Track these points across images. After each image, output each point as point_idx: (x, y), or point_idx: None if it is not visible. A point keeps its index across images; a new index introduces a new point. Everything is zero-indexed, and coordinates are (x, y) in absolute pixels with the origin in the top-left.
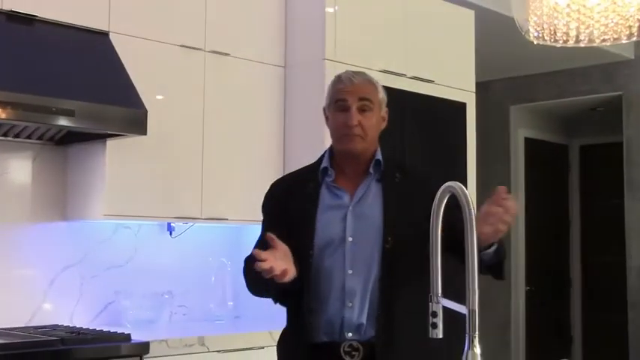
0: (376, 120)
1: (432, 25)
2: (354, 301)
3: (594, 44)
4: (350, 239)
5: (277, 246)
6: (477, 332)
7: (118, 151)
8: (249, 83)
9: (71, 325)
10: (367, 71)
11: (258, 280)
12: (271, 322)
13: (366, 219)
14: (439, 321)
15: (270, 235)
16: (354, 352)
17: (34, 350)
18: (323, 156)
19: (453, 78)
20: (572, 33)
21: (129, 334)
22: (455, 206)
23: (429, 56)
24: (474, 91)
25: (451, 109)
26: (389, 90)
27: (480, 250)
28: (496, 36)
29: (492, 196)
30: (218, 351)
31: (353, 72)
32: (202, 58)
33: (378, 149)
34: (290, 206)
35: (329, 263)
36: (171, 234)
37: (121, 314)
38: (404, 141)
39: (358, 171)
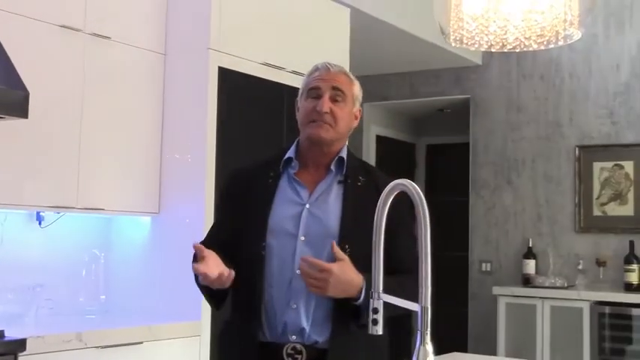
0: (348, 113)
1: (311, 19)
2: (298, 303)
3: (505, 50)
4: (302, 238)
5: (207, 256)
6: (428, 329)
7: None
8: (129, 69)
9: None
10: (249, 63)
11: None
12: (146, 316)
13: (321, 220)
14: (379, 317)
15: (199, 246)
16: (297, 355)
17: None
18: (288, 148)
19: None
20: (490, 38)
21: (2, 331)
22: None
23: (308, 51)
24: None
25: None
26: (268, 83)
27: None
28: (355, 35)
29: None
30: (96, 347)
31: (330, 63)
32: (82, 40)
33: (345, 147)
34: (249, 195)
35: (277, 260)
36: (40, 223)
37: None
38: (282, 134)
39: (321, 166)
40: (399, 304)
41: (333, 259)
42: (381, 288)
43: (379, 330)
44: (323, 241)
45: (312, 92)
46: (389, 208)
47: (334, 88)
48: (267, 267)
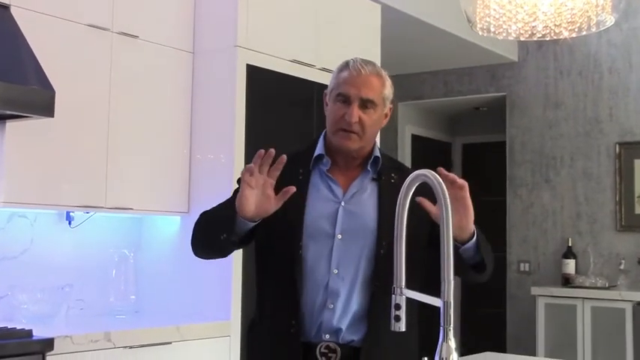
0: (377, 117)
1: (341, 16)
2: (335, 303)
3: (534, 39)
4: (339, 236)
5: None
6: (451, 325)
7: (17, 134)
8: (157, 68)
9: None
10: (278, 60)
11: (222, 224)
12: (176, 316)
13: (358, 218)
14: (402, 314)
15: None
16: (330, 354)
17: None
18: (315, 142)
19: None
20: (518, 25)
21: (30, 330)
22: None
23: (338, 48)
24: None
25: None
26: (297, 81)
27: (456, 248)
28: (386, 33)
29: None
30: (124, 347)
31: (362, 61)
32: (110, 40)
33: (376, 146)
34: (278, 187)
35: (313, 259)
36: (70, 224)
37: (15, 309)
38: (312, 132)
39: (352, 164)
40: (421, 300)
41: (372, 255)
42: (403, 283)
43: (402, 327)
44: (360, 239)
45: (340, 97)
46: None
47: (363, 99)
48: (303, 266)
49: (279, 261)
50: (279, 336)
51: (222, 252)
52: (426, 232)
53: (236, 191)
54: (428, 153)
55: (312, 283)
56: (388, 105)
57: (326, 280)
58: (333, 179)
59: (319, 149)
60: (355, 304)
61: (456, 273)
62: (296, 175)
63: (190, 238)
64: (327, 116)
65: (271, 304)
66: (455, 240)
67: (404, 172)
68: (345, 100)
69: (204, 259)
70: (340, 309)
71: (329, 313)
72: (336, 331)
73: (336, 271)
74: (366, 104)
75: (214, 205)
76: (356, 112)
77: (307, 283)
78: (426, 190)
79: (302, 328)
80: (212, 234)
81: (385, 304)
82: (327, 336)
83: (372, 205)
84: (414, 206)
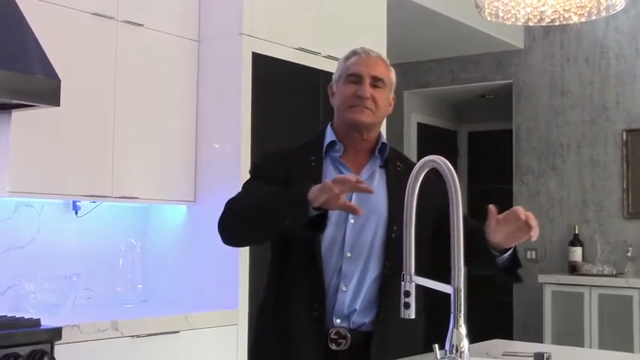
0: (386, 98)
1: (347, 4)
2: (349, 286)
3: (543, 24)
4: (352, 221)
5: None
6: (462, 312)
7: (23, 123)
8: (162, 56)
9: None
10: (283, 48)
11: (263, 215)
12: (184, 304)
13: (369, 204)
14: (412, 300)
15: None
16: (340, 340)
17: None
18: (322, 132)
19: None
20: (527, 10)
21: (38, 320)
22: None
23: (344, 36)
24: None
25: None
26: (303, 69)
27: (494, 256)
28: (392, 21)
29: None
30: (132, 336)
31: (368, 48)
32: (115, 28)
33: (382, 133)
34: (291, 177)
35: (327, 243)
36: (76, 213)
37: (23, 298)
38: (318, 120)
39: (361, 151)
40: (431, 286)
41: (383, 239)
42: (412, 270)
43: (411, 314)
44: (372, 224)
45: (351, 77)
46: (441, 196)
47: (374, 77)
48: (319, 251)
49: (298, 247)
50: (300, 320)
51: (271, 237)
52: (432, 221)
53: (249, 181)
54: (434, 141)
55: (326, 267)
56: (392, 93)
57: (339, 264)
58: (345, 165)
59: (330, 137)
60: (366, 288)
61: (485, 271)
62: (308, 163)
63: (224, 226)
64: (337, 99)
65: (291, 289)
66: (495, 248)
67: (407, 163)
68: (356, 80)
69: (237, 246)
70: (352, 292)
71: (342, 296)
72: (348, 316)
73: (349, 255)
74: (376, 82)
75: (245, 195)
76: (368, 89)
77: (322, 267)
78: (428, 181)
79: (314, 312)
80: (270, 219)
81: (396, 288)
82: (338, 321)
83: (382, 191)
84: (421, 195)
